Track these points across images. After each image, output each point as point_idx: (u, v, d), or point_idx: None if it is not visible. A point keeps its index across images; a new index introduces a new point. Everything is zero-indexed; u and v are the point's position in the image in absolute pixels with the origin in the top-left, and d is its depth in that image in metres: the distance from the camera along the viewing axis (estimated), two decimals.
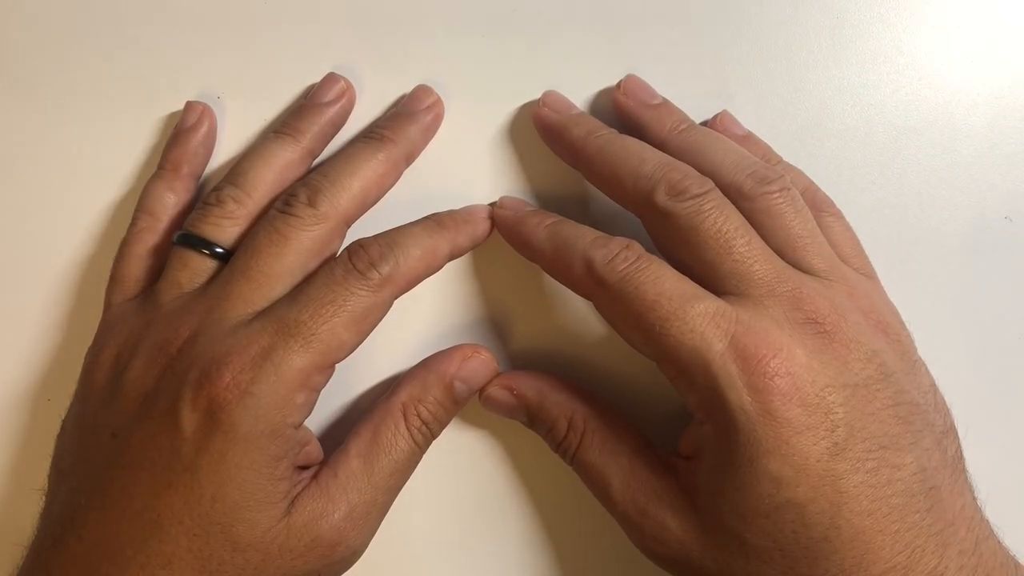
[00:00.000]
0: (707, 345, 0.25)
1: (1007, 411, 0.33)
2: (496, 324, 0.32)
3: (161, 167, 0.31)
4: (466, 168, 0.32)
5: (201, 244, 0.29)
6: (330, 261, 0.28)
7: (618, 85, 0.31)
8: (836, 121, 0.32)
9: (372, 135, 0.31)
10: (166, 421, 0.26)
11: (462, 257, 0.32)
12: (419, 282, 0.29)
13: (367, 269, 0.27)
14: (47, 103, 0.33)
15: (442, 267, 0.30)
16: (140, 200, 0.31)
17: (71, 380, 0.30)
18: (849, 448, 0.24)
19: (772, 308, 0.26)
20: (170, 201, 0.31)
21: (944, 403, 0.28)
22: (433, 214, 0.31)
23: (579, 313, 0.32)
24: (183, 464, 0.26)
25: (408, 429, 0.29)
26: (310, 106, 0.31)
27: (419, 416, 0.29)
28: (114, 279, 0.31)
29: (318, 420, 0.32)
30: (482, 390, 0.30)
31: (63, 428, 0.29)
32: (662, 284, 0.26)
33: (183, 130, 0.31)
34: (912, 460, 0.25)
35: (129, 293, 0.30)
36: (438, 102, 0.32)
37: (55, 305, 0.33)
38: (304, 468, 0.28)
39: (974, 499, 0.26)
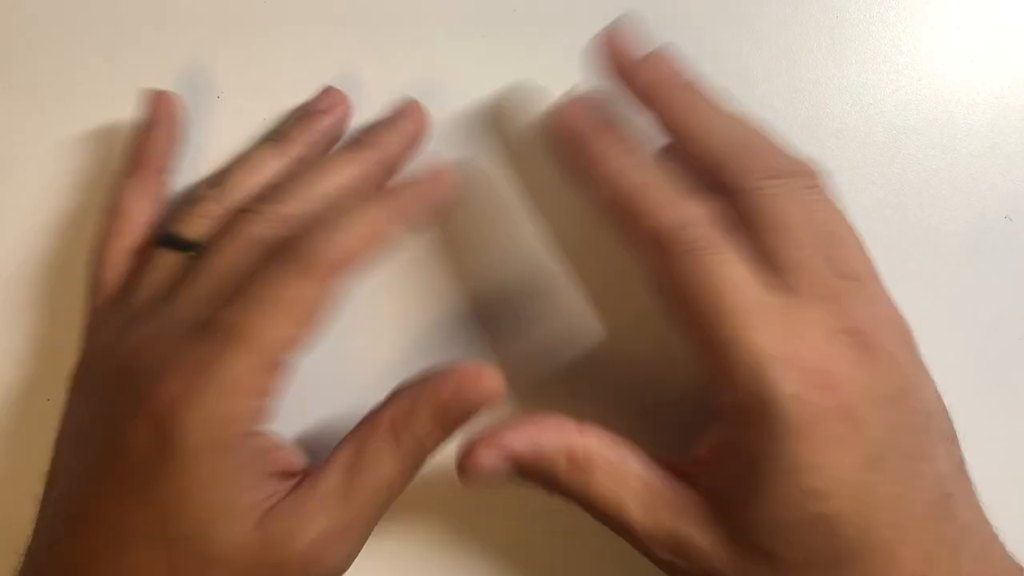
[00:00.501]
0: (763, 349, 0.24)
1: (1007, 412, 0.33)
2: (492, 321, 0.32)
3: (128, 165, 0.31)
4: (466, 168, 0.32)
5: (177, 243, 0.28)
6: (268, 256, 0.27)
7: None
8: (836, 121, 0.32)
9: (349, 140, 0.30)
10: (123, 435, 0.25)
11: (459, 247, 0.32)
12: (370, 262, 0.27)
13: (304, 258, 0.26)
14: (47, 103, 0.33)
15: (399, 241, 0.28)
16: (111, 203, 0.31)
17: None
18: (880, 460, 0.24)
19: (820, 312, 0.25)
20: (140, 201, 0.30)
21: (946, 407, 0.27)
22: (387, 184, 0.30)
23: (576, 309, 0.32)
24: (141, 479, 0.25)
25: (398, 447, 0.26)
26: (304, 116, 0.31)
27: (411, 433, 0.26)
28: (93, 284, 0.30)
29: (309, 422, 0.32)
30: (465, 462, 0.26)
31: (59, 432, 0.29)
32: (729, 269, 0.24)
33: (147, 125, 0.31)
34: (931, 468, 0.25)
35: (109, 297, 0.30)
36: (422, 113, 0.31)
37: (55, 305, 0.33)
38: (288, 476, 0.27)
39: (979, 503, 0.26)
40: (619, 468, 0.26)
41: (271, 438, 0.27)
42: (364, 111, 0.32)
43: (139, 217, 0.30)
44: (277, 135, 0.30)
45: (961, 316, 0.33)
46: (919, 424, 0.25)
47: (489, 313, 0.32)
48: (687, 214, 0.25)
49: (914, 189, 0.32)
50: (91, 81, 0.32)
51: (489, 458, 0.25)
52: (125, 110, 0.32)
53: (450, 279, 0.32)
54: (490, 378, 0.26)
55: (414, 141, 0.31)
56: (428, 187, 0.29)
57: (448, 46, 0.32)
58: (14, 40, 0.33)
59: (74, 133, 0.32)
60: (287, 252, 0.26)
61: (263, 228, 0.27)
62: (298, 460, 0.28)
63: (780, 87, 0.32)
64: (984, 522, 0.26)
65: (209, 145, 0.32)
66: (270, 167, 0.30)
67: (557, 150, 0.28)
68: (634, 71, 0.28)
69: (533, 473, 0.26)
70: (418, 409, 0.26)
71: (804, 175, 0.27)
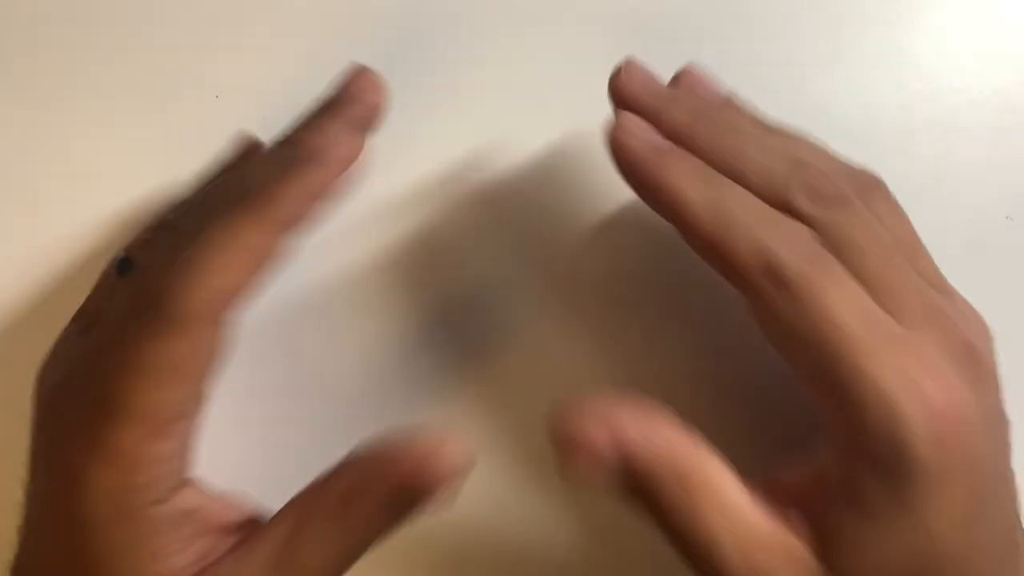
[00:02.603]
0: (894, 387, 0.21)
1: (1008, 412, 0.33)
2: (492, 327, 0.32)
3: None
4: (468, 168, 0.32)
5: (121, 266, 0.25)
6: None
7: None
8: (836, 121, 0.32)
9: (281, 136, 0.26)
10: (46, 494, 0.24)
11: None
12: (254, 290, 0.23)
13: (151, 307, 0.22)
14: (47, 103, 0.33)
15: (287, 253, 0.23)
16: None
17: None
18: (984, 494, 0.22)
19: (933, 335, 0.22)
20: None
21: None
22: (268, 156, 0.25)
23: (589, 316, 0.32)
24: (70, 542, 0.23)
25: (344, 528, 0.23)
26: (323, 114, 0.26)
27: (360, 515, 0.22)
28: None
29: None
30: (566, 443, 0.21)
31: None
32: (849, 298, 0.22)
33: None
34: (1014, 496, 0.23)
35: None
36: (377, 87, 0.26)
37: (55, 306, 0.33)
38: (231, 530, 0.24)
39: None
40: (722, 495, 0.22)
41: (197, 495, 0.24)
42: None
43: None
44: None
45: None
46: (1006, 443, 0.23)
47: (483, 311, 0.32)
48: (793, 238, 0.22)
49: (914, 189, 0.32)
50: (91, 81, 0.32)
51: (600, 441, 0.21)
52: (124, 110, 0.32)
53: (446, 276, 0.32)
54: (453, 452, 0.22)
55: (368, 127, 0.25)
56: (321, 174, 0.23)
57: (449, 46, 0.32)
58: (14, 40, 0.33)
59: (73, 133, 0.32)
60: (136, 303, 0.22)
61: None
62: (238, 511, 0.25)
63: (780, 87, 0.32)
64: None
65: (207, 146, 0.32)
66: None
67: (622, 176, 0.24)
68: (657, 115, 0.25)
69: (639, 483, 0.21)
70: (371, 489, 0.22)
71: (870, 187, 0.25)
